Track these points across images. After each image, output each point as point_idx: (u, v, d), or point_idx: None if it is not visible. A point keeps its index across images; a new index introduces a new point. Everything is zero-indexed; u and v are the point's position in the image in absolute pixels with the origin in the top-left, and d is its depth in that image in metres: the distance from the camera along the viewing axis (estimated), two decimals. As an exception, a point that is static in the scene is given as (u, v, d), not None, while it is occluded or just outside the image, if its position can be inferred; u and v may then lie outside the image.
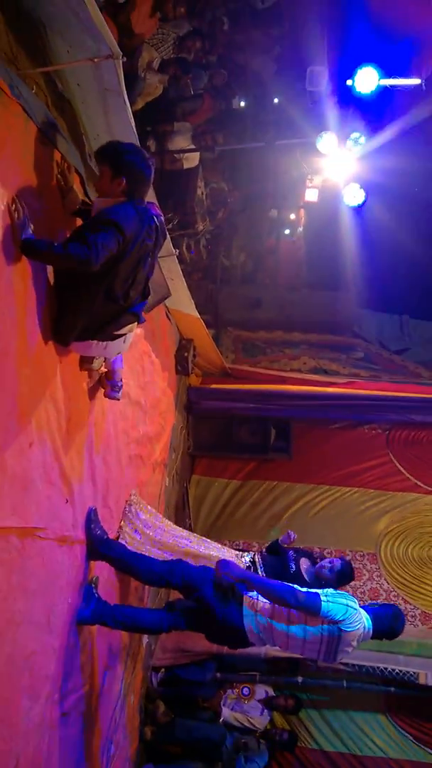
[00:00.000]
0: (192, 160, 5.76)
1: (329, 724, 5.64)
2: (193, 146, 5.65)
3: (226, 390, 6.59)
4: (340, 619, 2.93)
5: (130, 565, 3.36)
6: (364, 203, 6.47)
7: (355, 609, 2.98)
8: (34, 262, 2.50)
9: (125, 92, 2.76)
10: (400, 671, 5.44)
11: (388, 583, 6.04)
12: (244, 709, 5.31)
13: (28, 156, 2.47)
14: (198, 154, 5.77)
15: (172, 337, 5.81)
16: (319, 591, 3.04)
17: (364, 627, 3.00)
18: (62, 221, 2.83)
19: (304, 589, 3.05)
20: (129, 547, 3.55)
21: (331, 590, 3.11)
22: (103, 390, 3.37)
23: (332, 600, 2.96)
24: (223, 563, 3.06)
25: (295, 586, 3.08)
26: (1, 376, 2.24)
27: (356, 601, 3.09)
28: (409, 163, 7.25)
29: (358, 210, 6.84)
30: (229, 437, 6.66)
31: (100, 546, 3.24)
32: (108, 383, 3.33)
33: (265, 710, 5.36)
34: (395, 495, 6.40)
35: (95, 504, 3.33)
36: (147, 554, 3.56)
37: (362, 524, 6.31)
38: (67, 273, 2.61)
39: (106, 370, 3.30)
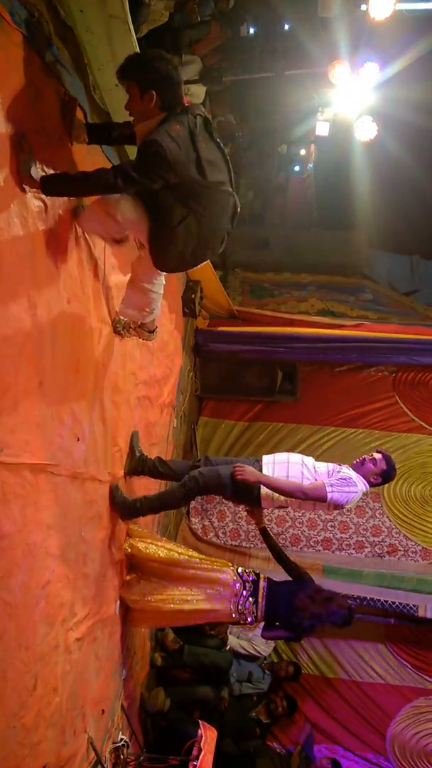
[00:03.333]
0: (197, 96, 5.53)
1: (330, 652, 5.90)
2: (197, 78, 5.42)
3: (233, 332, 6.57)
4: (344, 503, 3.32)
5: (161, 505, 3.74)
6: (376, 137, 6.26)
7: (356, 491, 3.33)
8: (47, 203, 2.47)
9: (130, 18, 2.65)
10: (400, 604, 5.65)
11: (390, 521, 6.19)
12: (250, 637, 5.56)
13: (30, 89, 2.40)
14: (204, 89, 5.54)
15: (179, 278, 5.76)
16: (325, 480, 3.33)
17: (363, 491, 3.41)
18: (66, 156, 2.77)
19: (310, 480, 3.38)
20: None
21: (335, 477, 3.35)
22: (140, 338, 3.63)
23: (337, 489, 3.28)
24: (240, 469, 3.34)
25: (304, 471, 3.40)
26: (11, 317, 2.25)
27: (357, 481, 3.38)
28: (425, 94, 6.96)
29: (371, 144, 6.63)
30: (236, 379, 6.70)
31: (134, 513, 3.64)
32: (146, 332, 3.52)
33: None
34: (400, 436, 6.47)
35: (106, 442, 3.40)
36: None
37: (367, 464, 6.42)
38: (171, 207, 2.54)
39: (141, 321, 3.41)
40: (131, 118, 2.57)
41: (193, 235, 2.63)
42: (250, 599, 3.62)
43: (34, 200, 2.43)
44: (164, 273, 3.08)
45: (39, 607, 2.54)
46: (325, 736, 5.67)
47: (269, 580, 3.71)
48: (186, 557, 3.80)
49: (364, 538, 6.14)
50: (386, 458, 3.54)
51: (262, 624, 5.52)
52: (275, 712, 5.30)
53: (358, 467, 3.49)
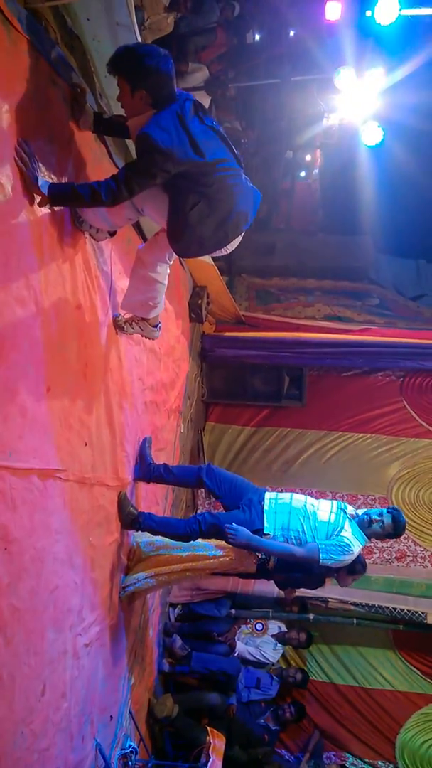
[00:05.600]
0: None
1: (339, 659, 5.87)
2: (202, 86, 5.42)
3: (239, 338, 6.58)
4: (338, 562, 3.31)
5: (162, 528, 3.68)
6: (382, 142, 6.25)
7: (351, 550, 3.30)
8: (52, 210, 2.49)
9: (137, 27, 2.67)
10: (409, 611, 5.61)
11: (399, 526, 6.15)
12: (258, 643, 5.54)
13: (38, 96, 2.42)
14: (209, 98, 5.55)
15: (186, 284, 5.77)
16: (321, 544, 3.31)
17: (360, 548, 3.38)
18: (74, 164, 2.79)
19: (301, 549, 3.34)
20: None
21: (332, 541, 3.32)
22: (143, 334, 3.51)
23: (330, 556, 3.28)
24: (232, 528, 3.32)
25: (304, 525, 3.36)
26: (20, 324, 2.26)
27: (355, 544, 3.33)
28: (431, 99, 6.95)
29: (376, 150, 6.63)
30: (242, 385, 6.70)
31: (134, 525, 3.62)
32: (149, 326, 3.43)
33: (278, 645, 5.58)
34: (408, 441, 6.44)
35: (113, 447, 3.40)
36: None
37: (374, 469, 6.40)
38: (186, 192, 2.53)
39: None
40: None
41: (208, 219, 2.60)
42: None
43: (40, 207, 2.45)
44: (169, 263, 3.06)
45: (47, 613, 2.54)
46: (334, 743, 5.63)
47: None
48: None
49: (372, 544, 6.11)
50: (395, 520, 3.40)
51: (270, 630, 5.52)
52: (283, 718, 5.28)
53: (364, 525, 3.40)
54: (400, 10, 5.06)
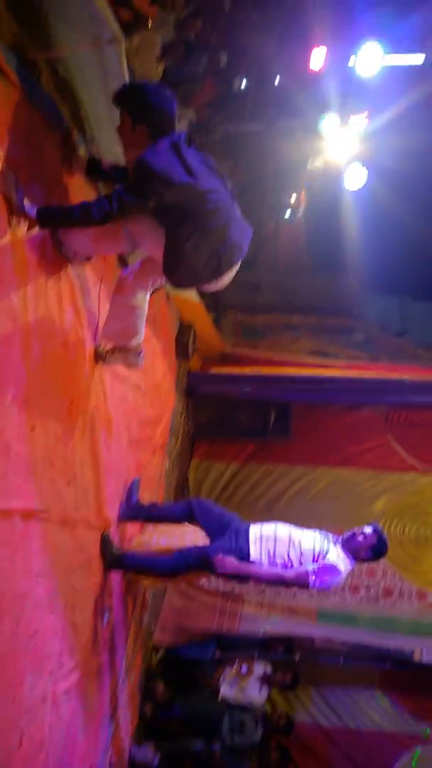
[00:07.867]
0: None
1: (325, 700, 5.75)
2: (186, 131, 5.55)
3: (226, 374, 6.61)
4: (327, 587, 3.42)
5: (146, 567, 3.68)
6: (365, 184, 6.42)
7: (340, 579, 3.39)
8: (40, 247, 2.51)
9: (127, 74, 2.75)
10: (396, 649, 5.54)
11: (385, 562, 6.11)
12: (243, 686, 5.41)
13: (31, 141, 2.47)
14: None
15: (173, 321, 5.82)
16: (309, 567, 3.34)
17: (348, 569, 3.43)
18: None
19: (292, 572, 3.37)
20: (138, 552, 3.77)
21: (320, 564, 3.35)
22: (126, 363, 3.40)
23: (320, 579, 3.32)
24: (220, 561, 3.34)
25: (291, 551, 3.40)
26: (5, 363, 2.27)
27: (342, 565, 3.39)
28: (413, 142, 7.16)
29: (360, 191, 6.80)
30: (228, 421, 6.69)
31: (116, 565, 3.58)
32: (132, 355, 3.32)
33: (263, 687, 5.45)
34: (393, 475, 6.43)
35: (97, 486, 3.37)
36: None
37: (360, 504, 6.37)
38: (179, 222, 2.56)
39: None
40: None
41: (202, 249, 2.63)
42: None
43: (28, 231, 2.47)
44: (149, 292, 3.08)
45: (27, 658, 2.49)
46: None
47: None
48: None
49: (359, 581, 6.05)
50: (377, 533, 3.49)
51: (255, 672, 5.41)
52: (268, 761, 5.14)
53: (348, 541, 3.47)
54: (382, 61, 5.25)
